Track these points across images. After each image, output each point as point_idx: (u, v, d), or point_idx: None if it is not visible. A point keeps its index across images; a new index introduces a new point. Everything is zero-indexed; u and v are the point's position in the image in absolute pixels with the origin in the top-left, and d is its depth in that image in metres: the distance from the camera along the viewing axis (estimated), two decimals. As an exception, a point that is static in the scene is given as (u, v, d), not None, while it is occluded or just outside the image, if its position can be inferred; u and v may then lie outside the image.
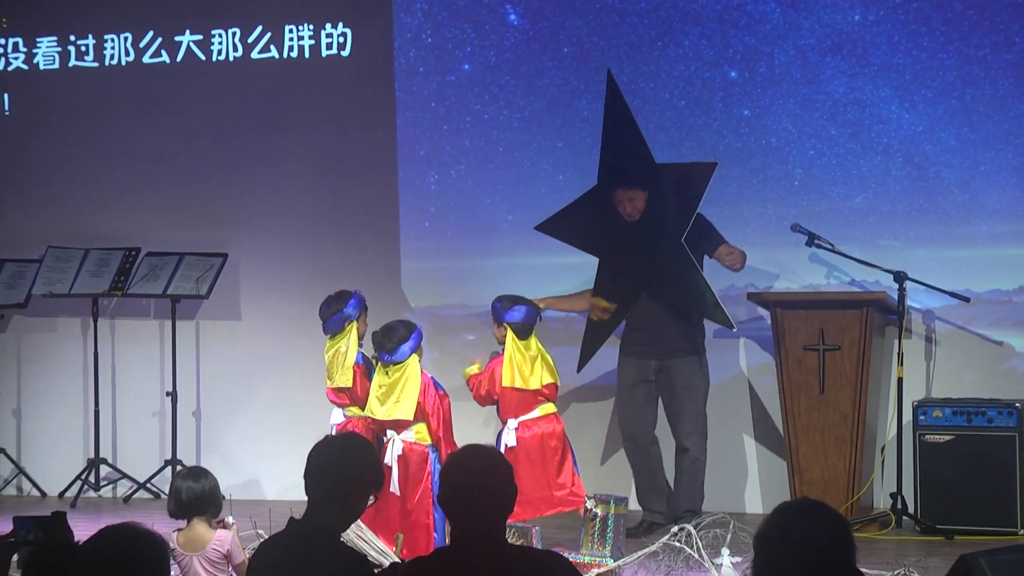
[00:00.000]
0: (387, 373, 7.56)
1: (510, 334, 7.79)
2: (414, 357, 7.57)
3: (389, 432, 7.56)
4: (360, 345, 7.87)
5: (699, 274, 8.28)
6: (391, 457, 7.45)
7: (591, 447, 9.14)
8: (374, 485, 4.68)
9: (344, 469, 4.59)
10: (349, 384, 7.72)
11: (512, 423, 7.74)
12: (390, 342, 7.54)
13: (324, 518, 4.54)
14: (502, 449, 7.56)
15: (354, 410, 7.77)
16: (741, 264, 8.45)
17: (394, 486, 7.40)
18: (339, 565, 4.44)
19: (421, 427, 7.52)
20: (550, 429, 7.74)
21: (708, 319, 8.39)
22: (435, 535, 7.33)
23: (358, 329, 7.86)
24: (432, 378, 7.63)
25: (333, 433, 7.47)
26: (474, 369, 7.89)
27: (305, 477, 4.60)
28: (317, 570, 4.41)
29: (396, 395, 7.49)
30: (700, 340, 8.45)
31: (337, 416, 7.84)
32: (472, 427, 8.84)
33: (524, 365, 7.74)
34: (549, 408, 7.79)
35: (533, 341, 7.80)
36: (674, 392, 8.39)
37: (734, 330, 8.42)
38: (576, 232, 8.69)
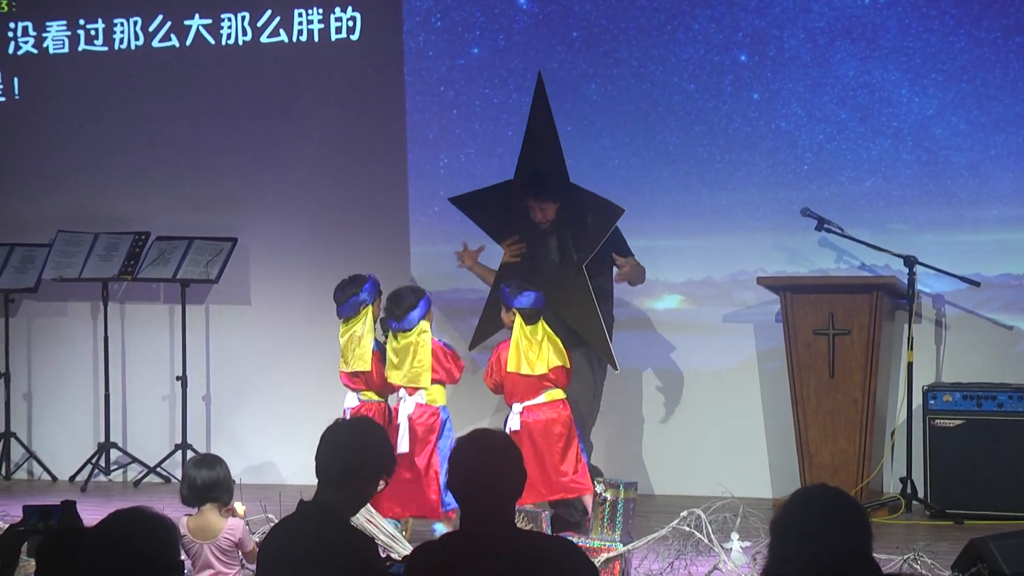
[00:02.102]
0: (396, 339, 7.62)
1: (518, 319, 7.78)
2: (424, 323, 7.63)
3: (401, 391, 7.63)
4: (374, 330, 7.89)
5: (593, 304, 8.10)
6: (402, 416, 7.57)
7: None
8: (384, 471, 4.69)
9: (355, 453, 4.60)
10: (367, 368, 7.75)
11: (517, 407, 7.75)
12: (398, 309, 7.62)
13: (334, 501, 4.55)
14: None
15: (369, 394, 7.80)
16: (637, 280, 8.30)
17: (403, 445, 7.48)
18: (348, 548, 4.45)
19: (433, 388, 7.60)
20: (555, 415, 7.74)
21: (596, 349, 8.19)
22: (445, 495, 7.41)
23: (373, 313, 7.87)
24: (441, 342, 7.72)
25: (347, 417, 7.53)
26: None
27: (316, 459, 4.61)
28: (325, 553, 4.42)
29: (410, 361, 7.58)
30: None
31: (351, 400, 7.87)
32: (486, 410, 8.86)
33: (530, 351, 7.73)
34: (556, 394, 7.78)
35: (540, 325, 7.80)
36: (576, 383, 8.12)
37: (617, 371, 8.21)
38: (489, 217, 8.58)
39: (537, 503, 7.45)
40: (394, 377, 7.69)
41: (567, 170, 8.37)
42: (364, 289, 7.83)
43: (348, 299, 7.84)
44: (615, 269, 8.27)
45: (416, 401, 7.63)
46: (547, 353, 7.75)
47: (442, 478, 7.40)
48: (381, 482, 4.67)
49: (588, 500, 7.59)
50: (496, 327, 8.34)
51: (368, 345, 7.78)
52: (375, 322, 7.87)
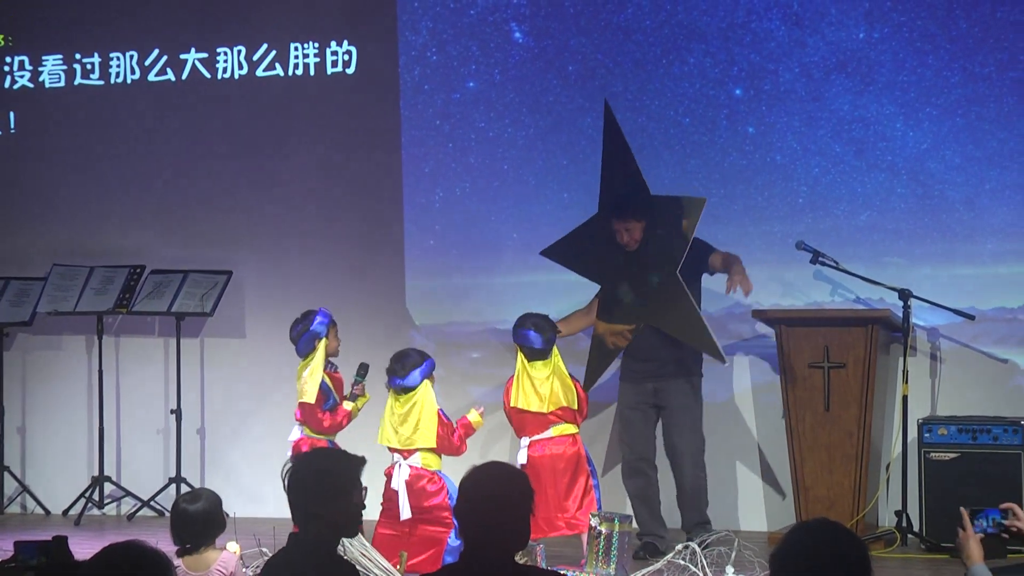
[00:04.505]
0: (399, 400, 7.57)
1: (520, 355, 7.80)
2: (426, 383, 7.59)
3: (395, 456, 7.57)
4: (331, 364, 7.88)
5: (693, 306, 8.25)
6: (398, 482, 7.47)
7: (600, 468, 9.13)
8: (351, 482, 4.59)
9: (316, 476, 4.56)
10: (311, 400, 7.72)
11: (525, 441, 7.75)
12: (402, 368, 7.57)
13: (314, 529, 4.52)
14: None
15: (308, 429, 7.81)
16: (746, 287, 8.30)
17: (405, 511, 7.41)
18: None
19: (428, 452, 7.54)
20: (561, 451, 7.72)
21: (701, 350, 8.35)
22: (447, 557, 7.34)
23: (328, 346, 7.85)
24: (440, 409, 7.67)
25: (290, 450, 7.63)
26: (475, 417, 7.82)
27: (289, 502, 4.60)
28: None
29: (414, 422, 7.51)
30: (692, 363, 8.43)
31: (295, 433, 7.88)
32: (498, 442, 8.86)
33: (529, 387, 7.72)
34: (567, 429, 7.77)
35: (547, 364, 7.75)
36: (670, 414, 8.40)
37: (725, 364, 8.40)
38: (579, 258, 8.74)
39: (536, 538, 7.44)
40: (389, 439, 7.61)
41: (647, 186, 8.47)
42: (315, 322, 7.82)
43: (302, 336, 7.83)
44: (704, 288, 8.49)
45: (411, 465, 7.56)
46: (551, 392, 7.71)
47: None
48: (357, 492, 4.58)
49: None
50: (603, 363, 8.47)
51: (316, 378, 7.75)
52: (332, 355, 7.87)
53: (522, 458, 7.71)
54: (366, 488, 4.59)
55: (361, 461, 4.63)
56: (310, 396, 7.75)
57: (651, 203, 8.44)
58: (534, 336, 7.75)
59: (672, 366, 8.37)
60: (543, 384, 7.71)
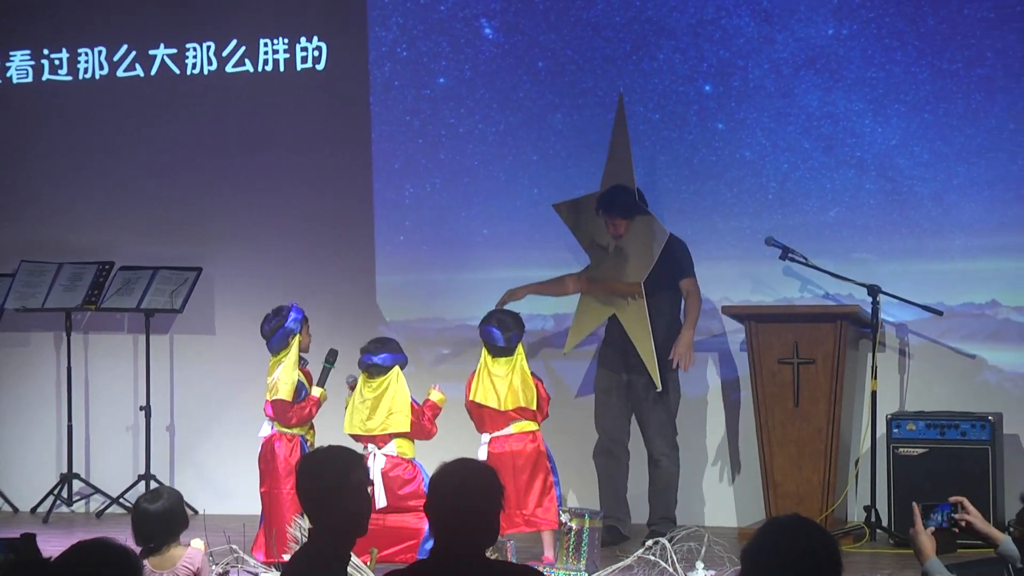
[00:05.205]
0: (370, 385, 7.58)
1: (484, 350, 7.79)
2: (397, 368, 7.61)
3: (370, 446, 7.57)
4: (303, 360, 7.88)
5: (647, 322, 8.36)
6: (374, 471, 7.46)
7: (574, 457, 9.12)
8: (355, 488, 4.57)
9: (316, 478, 4.54)
10: (288, 397, 7.72)
11: (485, 438, 7.74)
12: (376, 348, 7.62)
13: (322, 530, 4.50)
14: None
15: (280, 425, 7.80)
16: (686, 364, 8.48)
17: (381, 500, 7.41)
18: None
19: (403, 440, 7.55)
20: (520, 447, 7.70)
21: (644, 360, 8.42)
22: (424, 545, 7.35)
23: (301, 342, 7.85)
24: (413, 399, 7.68)
25: (260, 446, 7.72)
26: (436, 395, 7.84)
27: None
28: None
29: (386, 407, 7.52)
30: (667, 354, 8.48)
31: (266, 429, 7.88)
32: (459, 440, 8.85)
33: (487, 383, 7.71)
34: (527, 426, 7.74)
35: (509, 362, 7.73)
36: (642, 404, 8.47)
37: (658, 389, 8.42)
38: (579, 224, 8.85)
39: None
40: (359, 427, 7.62)
41: (642, 195, 8.62)
42: (288, 319, 7.82)
43: (276, 331, 7.82)
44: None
45: (386, 454, 7.57)
46: (509, 390, 7.68)
47: None
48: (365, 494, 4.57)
49: (547, 537, 7.57)
50: (587, 325, 8.57)
51: (292, 375, 7.74)
52: (304, 351, 7.88)
53: (482, 454, 7.69)
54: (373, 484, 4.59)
55: (360, 459, 4.63)
56: (286, 393, 7.74)
57: (641, 208, 8.54)
58: (497, 333, 7.74)
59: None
60: (501, 382, 7.68)
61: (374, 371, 7.67)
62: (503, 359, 7.73)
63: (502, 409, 7.67)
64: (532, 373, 7.85)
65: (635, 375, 8.46)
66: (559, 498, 7.79)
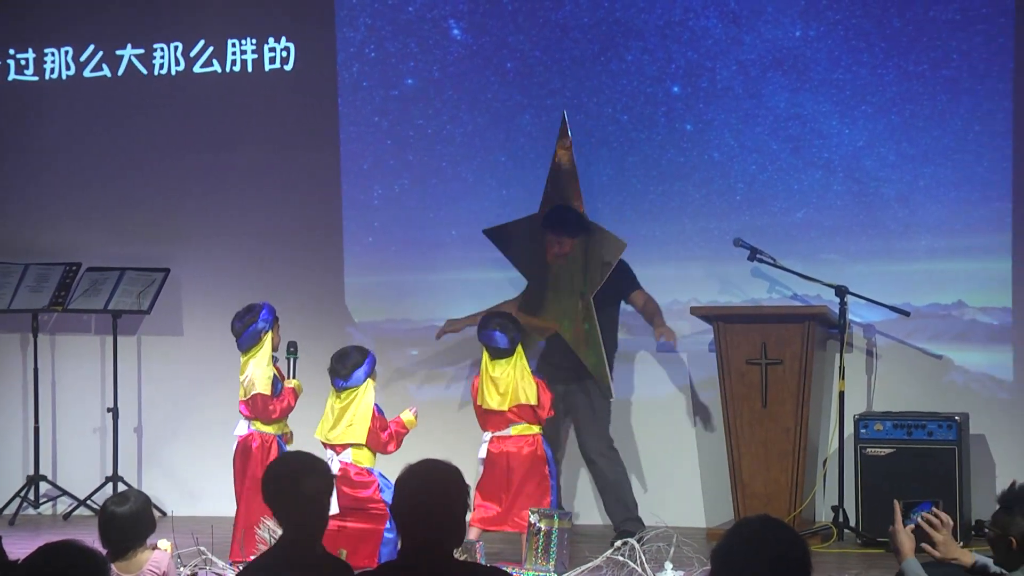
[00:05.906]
0: (340, 397, 7.58)
1: (484, 353, 7.88)
2: (368, 382, 7.61)
3: (328, 452, 7.58)
4: (275, 359, 7.88)
5: (598, 334, 8.47)
6: None
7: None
8: (319, 489, 4.60)
9: (282, 482, 4.56)
10: (266, 391, 7.71)
11: (487, 436, 7.85)
12: (344, 368, 7.59)
13: (296, 533, 4.51)
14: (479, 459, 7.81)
15: (259, 424, 7.79)
16: (670, 337, 8.68)
17: (333, 506, 7.40)
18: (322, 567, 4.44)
19: (359, 450, 7.55)
20: (517, 449, 7.79)
21: (594, 375, 8.51)
22: (383, 549, 7.35)
23: (272, 340, 7.85)
24: (376, 405, 7.67)
25: (236, 444, 7.71)
26: (408, 417, 7.83)
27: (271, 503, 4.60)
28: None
29: (349, 418, 7.53)
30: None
31: (242, 428, 7.86)
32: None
33: (489, 386, 7.80)
34: (527, 429, 7.84)
35: (509, 362, 7.82)
36: (578, 417, 8.65)
37: (612, 399, 8.59)
38: (514, 248, 8.91)
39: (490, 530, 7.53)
40: (323, 435, 7.63)
41: (585, 211, 8.68)
42: (261, 317, 7.83)
43: (247, 329, 7.83)
44: (623, 303, 8.79)
45: (342, 460, 7.57)
46: (513, 391, 7.77)
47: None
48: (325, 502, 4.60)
49: None
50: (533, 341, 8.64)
51: (267, 370, 7.74)
52: (274, 349, 7.87)
53: (482, 452, 7.83)
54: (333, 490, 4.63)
55: (318, 466, 4.64)
56: (263, 387, 7.73)
57: (586, 226, 8.59)
58: (499, 336, 7.85)
59: (582, 370, 8.54)
60: (502, 382, 7.79)
61: (344, 390, 7.67)
62: (502, 360, 7.80)
63: (504, 408, 7.77)
64: (533, 372, 7.94)
65: (571, 385, 8.57)
66: (554, 503, 7.83)
